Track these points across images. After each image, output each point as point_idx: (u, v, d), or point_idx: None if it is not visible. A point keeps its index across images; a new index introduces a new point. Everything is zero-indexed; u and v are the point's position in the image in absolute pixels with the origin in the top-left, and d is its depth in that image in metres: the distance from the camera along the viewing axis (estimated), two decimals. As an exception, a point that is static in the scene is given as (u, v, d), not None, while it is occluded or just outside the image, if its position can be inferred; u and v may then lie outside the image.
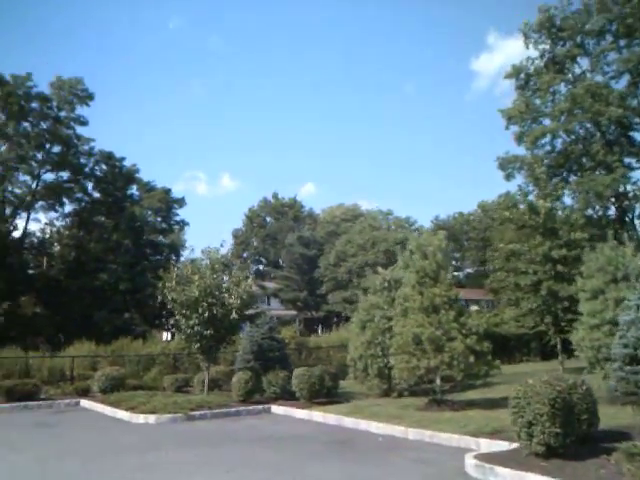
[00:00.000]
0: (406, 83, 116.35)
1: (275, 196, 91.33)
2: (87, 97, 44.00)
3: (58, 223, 45.95)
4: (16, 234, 43.84)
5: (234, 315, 16.07)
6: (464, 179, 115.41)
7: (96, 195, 45.89)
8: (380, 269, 17.95)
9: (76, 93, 43.62)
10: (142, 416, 14.25)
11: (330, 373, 16.12)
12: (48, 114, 42.91)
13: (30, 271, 42.89)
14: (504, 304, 31.43)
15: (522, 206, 28.22)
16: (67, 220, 45.73)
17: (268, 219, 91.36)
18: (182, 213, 50.44)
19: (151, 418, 14.13)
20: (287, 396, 16.16)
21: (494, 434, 10.16)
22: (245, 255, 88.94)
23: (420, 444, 10.50)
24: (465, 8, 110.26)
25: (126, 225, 44.57)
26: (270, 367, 17.48)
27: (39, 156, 44.01)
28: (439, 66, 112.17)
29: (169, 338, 48.79)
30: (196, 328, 16.15)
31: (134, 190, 47.73)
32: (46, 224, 46.01)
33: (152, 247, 46.43)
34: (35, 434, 12.74)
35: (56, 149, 44.09)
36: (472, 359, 12.76)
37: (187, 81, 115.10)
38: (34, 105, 42.45)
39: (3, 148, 42.64)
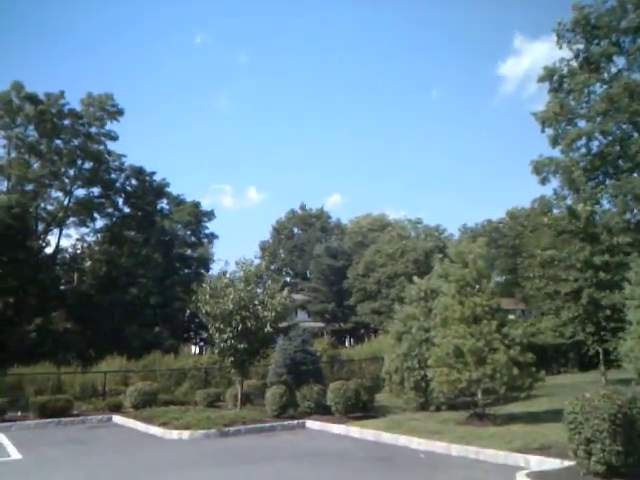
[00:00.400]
0: (432, 90, 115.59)
1: (302, 207, 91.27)
2: (117, 113, 44.52)
3: (89, 238, 46.49)
4: (48, 250, 44.45)
5: (268, 328, 15.76)
6: (492, 186, 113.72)
7: (127, 210, 46.28)
8: (416, 279, 17.49)
9: (106, 109, 44.19)
10: (175, 432, 13.99)
11: (366, 387, 15.71)
12: (79, 131, 43.51)
13: (61, 287, 43.28)
14: (538, 313, 30.56)
15: (557, 211, 27.53)
16: (98, 235, 46.19)
17: (295, 230, 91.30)
18: (211, 226, 50.95)
19: (185, 434, 13.86)
20: (322, 410, 15.76)
21: (543, 450, 9.64)
22: (273, 267, 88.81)
23: (465, 461, 10.00)
24: (490, 12, 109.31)
25: (156, 239, 44.81)
26: (303, 381, 17.07)
27: (71, 172, 44.64)
28: (466, 72, 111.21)
29: (197, 352, 48.79)
30: (230, 342, 15.88)
31: (164, 204, 48.05)
32: (77, 240, 46.58)
33: (181, 261, 46.54)
34: (69, 451, 12.55)
35: (87, 165, 44.65)
36: (516, 371, 12.23)
37: (213, 95, 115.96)
38: (66, 122, 43.08)
39: (36, 165, 43.29)
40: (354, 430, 13.41)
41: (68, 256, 45.11)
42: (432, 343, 15.83)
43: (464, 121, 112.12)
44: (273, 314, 15.87)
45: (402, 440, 11.90)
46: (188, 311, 45.93)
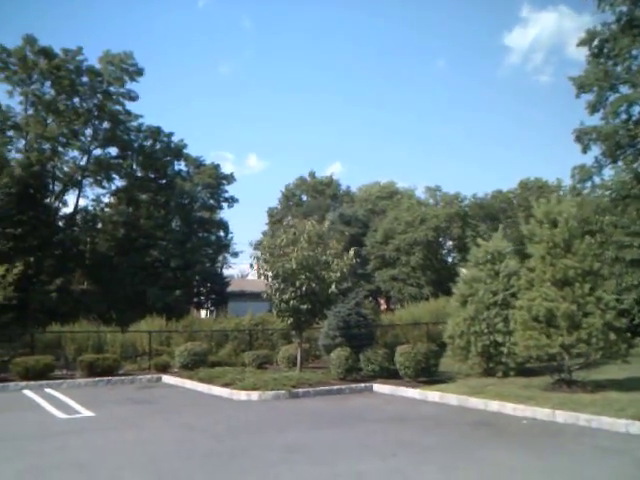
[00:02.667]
0: (437, 59, 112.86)
1: (312, 174, 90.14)
2: (136, 72, 43.07)
3: (107, 199, 45.55)
4: (65, 210, 43.68)
5: (333, 289, 15.16)
6: (496, 157, 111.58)
7: (144, 171, 45.23)
8: (480, 240, 16.87)
9: (125, 68, 42.77)
10: (244, 393, 13.50)
11: (433, 351, 15.22)
12: (98, 89, 42.21)
13: (80, 247, 42.52)
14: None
15: (597, 179, 26.90)
16: (116, 197, 45.24)
17: (304, 197, 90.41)
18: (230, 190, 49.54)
19: (253, 395, 13.38)
20: (386, 374, 15.30)
21: (666, 418, 9.11)
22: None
23: (578, 429, 9.47)
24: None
25: (175, 202, 43.91)
26: (356, 344, 16.58)
27: (88, 132, 43.46)
28: (472, 41, 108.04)
29: (207, 316, 48.35)
30: (291, 302, 15.29)
31: (182, 166, 47.01)
32: (93, 200, 45.67)
33: (201, 224, 45.72)
34: (139, 410, 12.09)
35: (105, 125, 43.47)
36: (612, 336, 11.69)
37: (213, 60, 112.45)
38: (84, 80, 41.76)
39: (52, 124, 42.13)
40: (433, 394, 12.90)
41: (86, 217, 44.17)
42: (501, 307, 15.40)
43: (469, 91, 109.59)
44: (338, 274, 15.26)
45: (493, 405, 11.39)
46: (197, 277, 45.19)
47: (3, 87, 41.02)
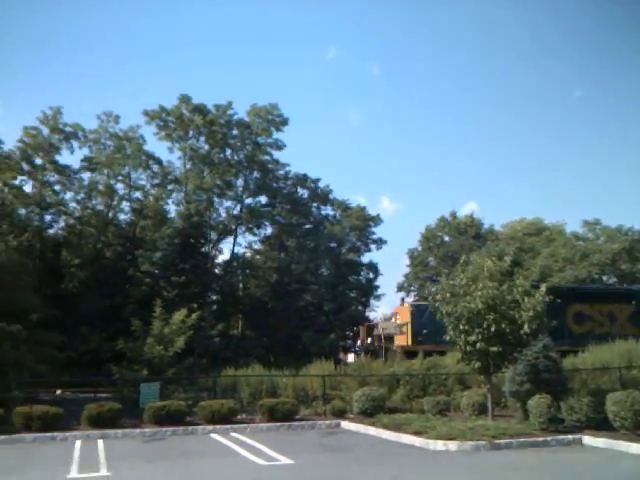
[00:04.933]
0: (574, 89, 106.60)
1: (452, 214, 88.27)
2: (282, 122, 44.87)
3: (258, 246, 47.24)
4: (223, 258, 45.87)
5: (526, 329, 13.95)
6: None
7: (291, 217, 46.51)
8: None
9: (272, 119, 44.68)
10: (441, 442, 12.57)
11: (648, 399, 13.39)
12: (247, 140, 44.38)
13: (237, 293, 44.19)
14: None
15: None
16: (266, 243, 46.82)
17: (446, 238, 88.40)
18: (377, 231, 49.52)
19: (451, 445, 12.41)
20: (592, 425, 13.66)
21: None
22: (422, 276, 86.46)
23: None
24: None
25: (324, 245, 44.50)
26: (547, 391, 15.08)
27: (239, 183, 45.65)
28: (612, 69, 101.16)
29: (353, 360, 47.79)
30: (478, 345, 14.27)
31: (329, 210, 47.84)
32: (246, 247, 47.58)
33: (350, 267, 45.88)
34: (336, 459, 11.58)
35: (255, 175, 45.45)
36: None
37: (344, 108, 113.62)
38: (234, 132, 44.16)
39: (207, 176, 44.75)
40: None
41: (241, 263, 46.03)
42: None
43: (609, 119, 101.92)
44: (531, 314, 14.04)
45: None
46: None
47: (164, 144, 44.26)
